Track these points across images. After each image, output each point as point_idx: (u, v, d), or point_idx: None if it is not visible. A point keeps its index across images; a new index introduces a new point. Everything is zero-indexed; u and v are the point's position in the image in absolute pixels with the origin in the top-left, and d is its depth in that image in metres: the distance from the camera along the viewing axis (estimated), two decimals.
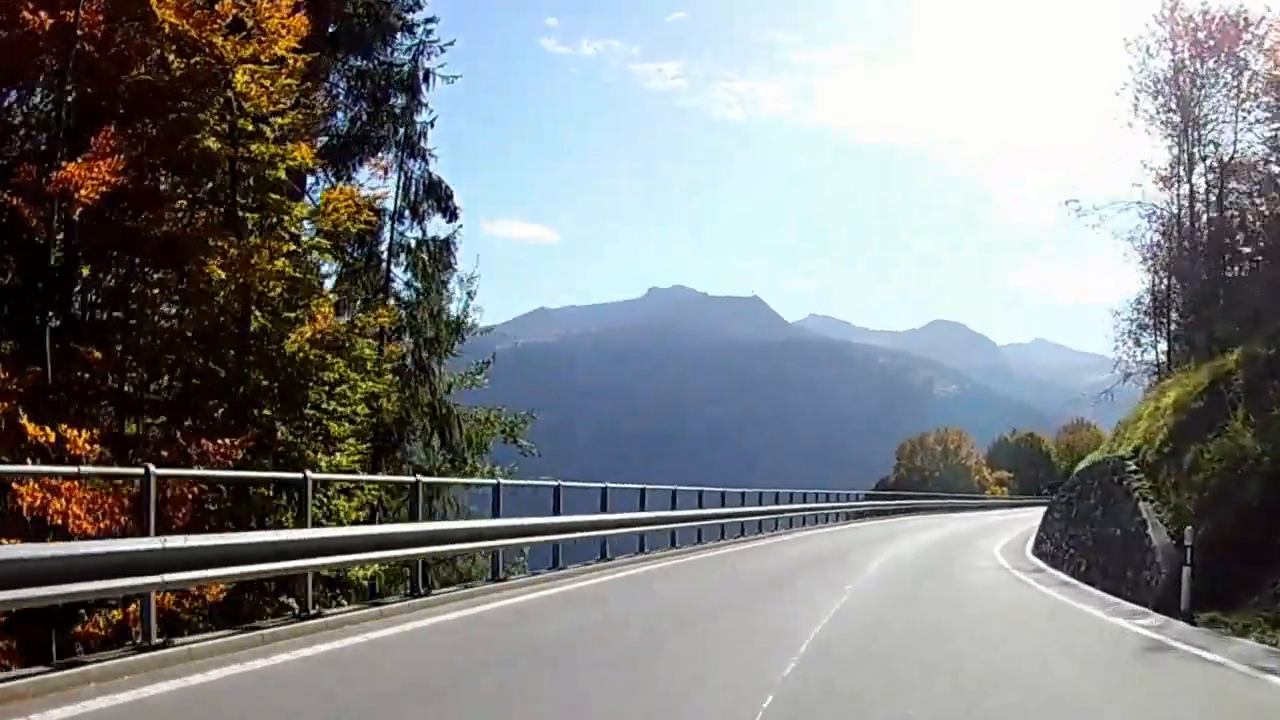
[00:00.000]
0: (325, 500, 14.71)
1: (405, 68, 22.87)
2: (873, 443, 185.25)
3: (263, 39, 15.15)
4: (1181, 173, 26.82)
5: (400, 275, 23.43)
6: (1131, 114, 26.82)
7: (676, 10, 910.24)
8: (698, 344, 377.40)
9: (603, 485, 17.93)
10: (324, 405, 15.89)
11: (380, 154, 22.57)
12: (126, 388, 15.82)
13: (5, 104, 15.99)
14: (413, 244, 23.16)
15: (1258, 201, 24.55)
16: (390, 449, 21.77)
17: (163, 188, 16.30)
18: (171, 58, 15.22)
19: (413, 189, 23.43)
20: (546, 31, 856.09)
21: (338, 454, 15.90)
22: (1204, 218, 26.76)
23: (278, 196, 15.99)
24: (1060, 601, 15.21)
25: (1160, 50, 26.41)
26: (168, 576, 7.61)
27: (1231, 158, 24.97)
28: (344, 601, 14.31)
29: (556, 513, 16.09)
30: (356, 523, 15.04)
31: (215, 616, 12.37)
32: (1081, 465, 25.70)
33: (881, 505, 52.67)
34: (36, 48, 14.45)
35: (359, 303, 21.05)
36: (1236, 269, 25.51)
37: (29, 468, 11.69)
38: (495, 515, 13.67)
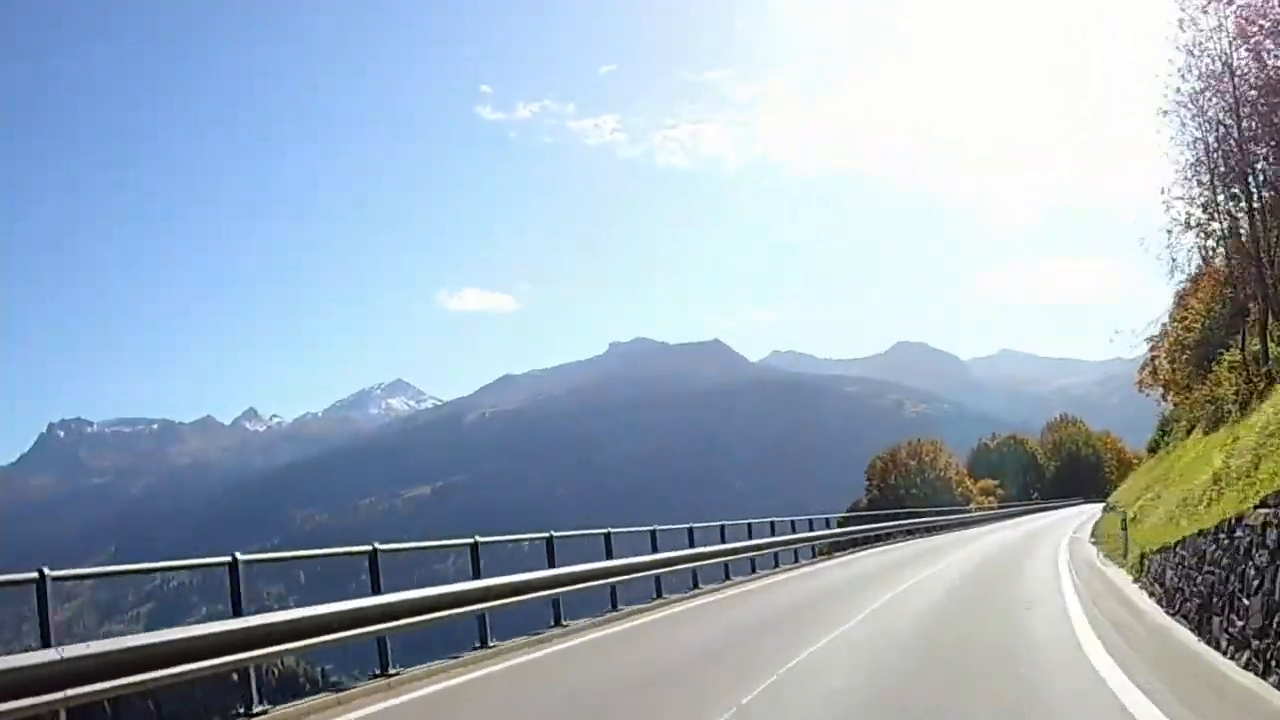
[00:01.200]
0: None
1: None
2: (851, 472, 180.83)
3: None
4: None
5: None
6: None
7: (606, 63, 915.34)
8: (663, 393, 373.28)
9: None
10: None
11: None
12: None
13: None
14: None
15: None
16: None
17: None
18: None
19: None
20: (481, 99, 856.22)
21: None
22: None
23: None
24: None
25: None
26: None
27: None
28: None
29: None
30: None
31: None
32: None
33: (839, 534, 36.45)
34: None
35: None
36: None
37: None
38: None
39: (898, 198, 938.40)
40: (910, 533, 44.48)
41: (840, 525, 39.49)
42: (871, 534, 39.54)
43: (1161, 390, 46.15)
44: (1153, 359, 45.76)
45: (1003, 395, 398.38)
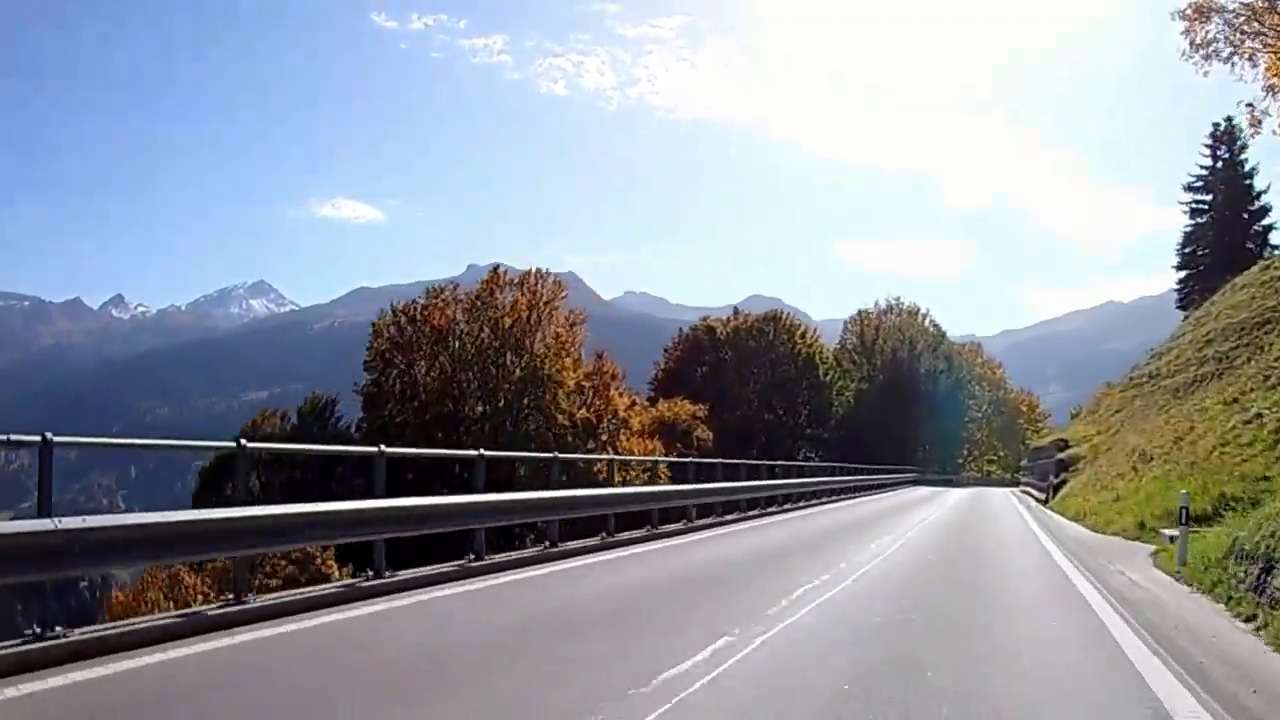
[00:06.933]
0: None
1: None
2: None
3: None
4: None
5: None
6: None
7: None
8: None
9: None
10: None
11: None
12: None
13: None
14: None
15: None
16: None
17: None
18: None
19: None
20: (378, 5, 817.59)
21: None
22: None
23: None
24: None
25: None
26: None
27: None
28: None
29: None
30: None
31: None
32: None
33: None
34: None
35: None
36: None
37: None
38: None
39: (772, 151, 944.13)
40: None
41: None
42: None
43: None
44: None
45: None
